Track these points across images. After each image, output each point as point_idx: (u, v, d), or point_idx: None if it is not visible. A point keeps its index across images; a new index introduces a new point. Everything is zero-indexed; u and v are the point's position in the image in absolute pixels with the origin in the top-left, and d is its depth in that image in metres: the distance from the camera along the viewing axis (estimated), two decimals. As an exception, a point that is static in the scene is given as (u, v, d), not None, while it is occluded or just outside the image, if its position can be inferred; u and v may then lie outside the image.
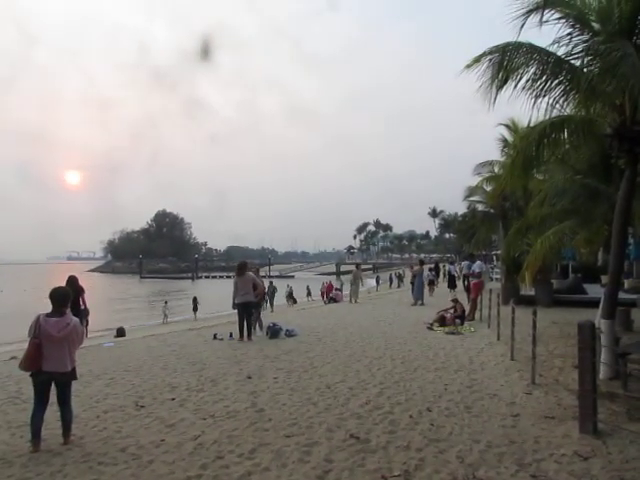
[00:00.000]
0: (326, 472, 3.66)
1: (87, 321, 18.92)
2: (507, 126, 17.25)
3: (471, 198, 21.18)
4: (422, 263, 19.51)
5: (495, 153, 18.49)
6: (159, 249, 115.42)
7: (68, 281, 12.98)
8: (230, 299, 11.00)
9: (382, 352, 8.52)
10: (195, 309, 25.35)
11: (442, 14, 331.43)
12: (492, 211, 19.67)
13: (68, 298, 4.61)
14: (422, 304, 16.94)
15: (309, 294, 34.81)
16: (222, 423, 4.85)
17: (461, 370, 7.06)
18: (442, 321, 11.48)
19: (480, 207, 21.18)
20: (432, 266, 27.05)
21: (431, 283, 24.90)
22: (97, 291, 49.57)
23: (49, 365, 4.32)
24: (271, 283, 27.11)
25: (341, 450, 4.10)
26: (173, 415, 5.14)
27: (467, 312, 12.43)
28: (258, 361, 8.02)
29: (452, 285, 20.89)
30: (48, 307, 4.52)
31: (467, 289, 16.38)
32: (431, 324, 11.51)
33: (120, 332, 17.46)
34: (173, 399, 5.81)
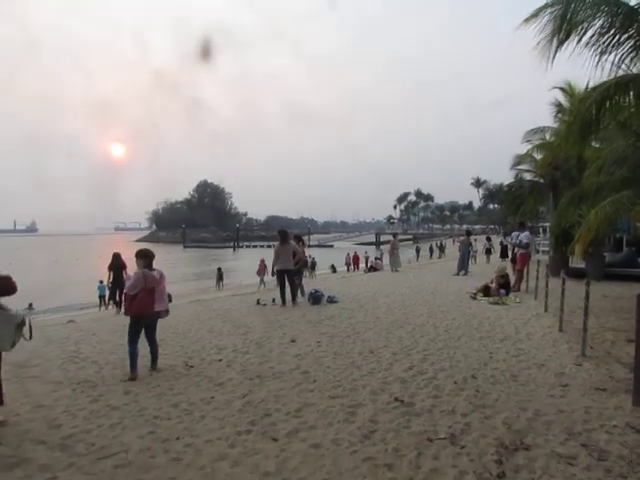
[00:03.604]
0: (371, 432, 3.71)
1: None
2: (563, 89, 16.18)
3: (519, 167, 20.34)
4: (469, 234, 19.13)
5: (546, 119, 17.57)
6: (201, 219, 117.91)
7: (113, 257, 13.84)
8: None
9: (425, 320, 8.47)
10: (220, 279, 25.74)
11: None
12: (541, 181, 18.83)
13: (154, 256, 5.72)
14: (465, 274, 16.67)
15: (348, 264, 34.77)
16: (268, 383, 4.98)
17: (506, 339, 6.94)
18: (486, 291, 11.26)
19: (528, 177, 20.34)
20: (487, 236, 27.77)
21: (488, 252, 24.89)
22: (144, 259, 51.35)
23: (157, 306, 5.58)
24: (311, 257, 27.26)
25: (385, 412, 4.14)
26: (221, 375, 5.33)
27: (513, 283, 12.14)
28: (301, 326, 8.16)
29: (504, 255, 20.70)
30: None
31: (513, 260, 15.97)
32: (475, 294, 11.32)
33: (168, 298, 18.09)
34: (220, 360, 6.01)
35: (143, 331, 5.61)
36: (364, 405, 4.29)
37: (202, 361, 5.99)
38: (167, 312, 5.91)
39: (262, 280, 21.62)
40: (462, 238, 18.41)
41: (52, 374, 5.58)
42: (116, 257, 13.74)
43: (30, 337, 4.28)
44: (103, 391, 4.89)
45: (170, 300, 17.62)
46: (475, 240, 30.26)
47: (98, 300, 18.54)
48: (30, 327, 4.28)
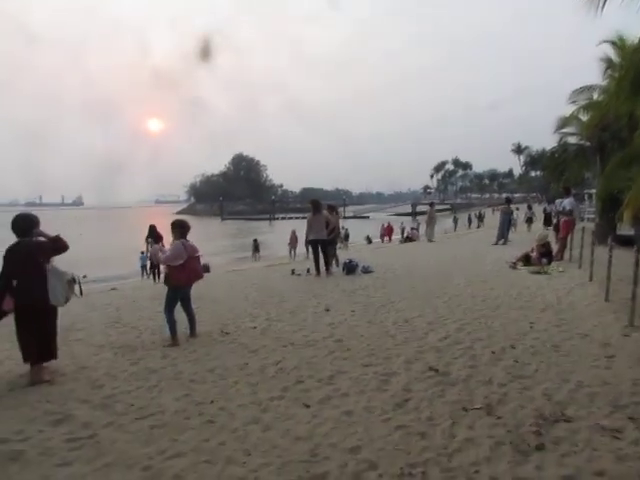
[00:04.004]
0: (405, 401, 3.66)
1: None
2: (613, 43, 15.01)
3: (563, 130, 19.29)
4: (509, 201, 18.46)
5: (591, 78, 16.46)
6: (237, 191, 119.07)
7: (149, 229, 14.28)
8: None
9: (461, 289, 8.29)
10: (256, 250, 25.91)
11: None
12: (587, 144, 17.82)
13: (189, 227, 5.78)
14: (505, 243, 16.19)
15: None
16: (301, 351, 5.00)
17: (548, 309, 6.70)
18: (527, 260, 10.90)
19: (573, 140, 19.28)
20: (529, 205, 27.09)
21: (529, 220, 24.23)
22: (183, 231, 52.54)
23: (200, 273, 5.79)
24: (344, 228, 27.02)
25: (420, 381, 4.07)
26: (255, 342, 5.38)
27: (555, 251, 11.69)
28: (335, 295, 8.14)
29: (548, 223, 20.04)
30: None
31: (556, 228, 15.36)
32: (514, 263, 10.97)
33: (205, 268, 18.45)
34: (255, 327, 6.07)
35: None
36: (398, 374, 4.23)
37: (237, 328, 6.07)
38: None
39: (293, 251, 21.68)
40: (502, 206, 17.84)
41: (95, 338, 5.79)
42: (152, 229, 14.24)
43: (81, 293, 4.74)
44: (142, 355, 5.04)
45: (208, 270, 18.04)
46: (517, 209, 29.30)
47: (140, 270, 19.17)
48: (80, 285, 4.68)
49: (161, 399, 3.79)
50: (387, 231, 31.70)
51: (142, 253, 18.48)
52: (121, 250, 26.96)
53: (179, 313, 5.70)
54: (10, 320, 4.27)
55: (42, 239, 4.47)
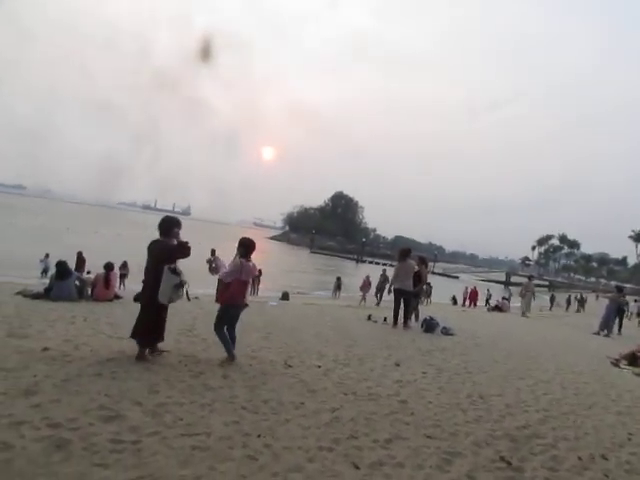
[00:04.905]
0: (467, 489, 3.22)
1: (259, 281, 20.87)
2: None
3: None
4: (620, 290, 16.72)
5: None
6: (331, 227, 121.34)
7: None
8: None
9: (551, 376, 7.43)
10: (338, 288, 25.57)
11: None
12: None
13: (253, 247, 5.61)
14: (607, 335, 14.56)
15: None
16: (362, 403, 4.67)
17: (653, 422, 5.74)
18: (633, 359, 9.60)
19: None
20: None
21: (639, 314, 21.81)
22: (274, 257, 54.31)
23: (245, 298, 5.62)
24: (429, 283, 25.99)
25: (487, 471, 3.58)
26: (316, 382, 5.15)
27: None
28: (408, 351, 7.69)
29: None
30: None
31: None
32: (617, 360, 9.73)
33: (285, 296, 18.71)
34: (319, 367, 5.85)
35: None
36: (463, 455, 3.76)
37: (301, 363, 5.89)
38: (246, 305, 5.72)
39: (364, 297, 21.21)
40: (610, 294, 16.16)
41: (165, 341, 5.90)
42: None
43: (188, 299, 5.26)
44: (204, 369, 5.03)
45: (287, 298, 18.19)
46: (635, 300, 26.36)
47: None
48: (187, 292, 5.18)
49: (210, 420, 3.69)
50: (471, 295, 29.87)
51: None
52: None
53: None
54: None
55: (174, 242, 5.10)
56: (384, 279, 19.86)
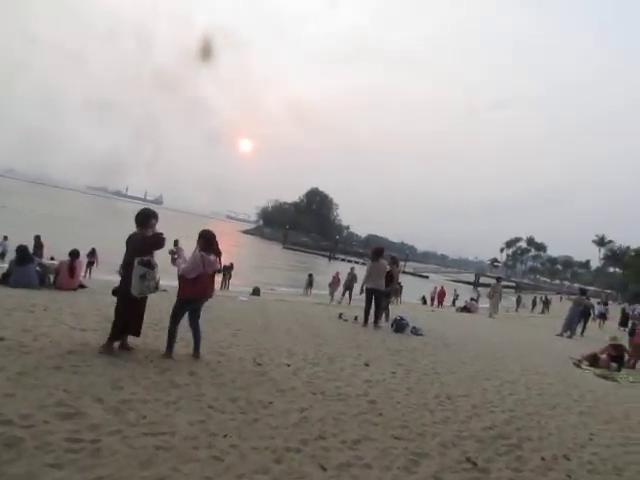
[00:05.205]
0: (433, 491, 3.21)
1: (230, 276, 20.65)
2: None
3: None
4: (583, 293, 17.22)
5: None
6: (305, 223, 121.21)
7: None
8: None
9: (516, 377, 7.56)
10: (310, 285, 25.46)
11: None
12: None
13: (213, 238, 5.45)
14: (570, 337, 14.98)
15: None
16: (331, 403, 4.63)
17: (613, 422, 5.89)
18: (594, 360, 9.90)
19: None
20: (603, 300, 24.88)
21: (602, 316, 22.43)
22: (246, 251, 53.85)
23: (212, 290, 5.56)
24: (399, 283, 26.08)
25: (453, 472, 3.59)
26: (286, 381, 5.08)
27: (627, 358, 10.55)
28: (378, 351, 7.70)
29: (624, 324, 18.53)
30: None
31: (632, 332, 14.04)
32: (579, 361, 10.01)
33: (255, 291, 18.56)
34: (289, 365, 5.79)
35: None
36: (430, 457, 3.76)
37: (271, 361, 5.81)
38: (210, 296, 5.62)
39: (332, 294, 21.21)
40: (574, 297, 16.64)
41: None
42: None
43: (154, 290, 5.16)
44: (170, 365, 4.90)
45: (258, 294, 18.01)
46: (599, 303, 27.14)
47: None
48: (156, 282, 5.10)
49: (175, 418, 3.57)
50: (439, 295, 30.33)
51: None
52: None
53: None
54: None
55: (150, 233, 5.05)
56: (352, 277, 19.96)
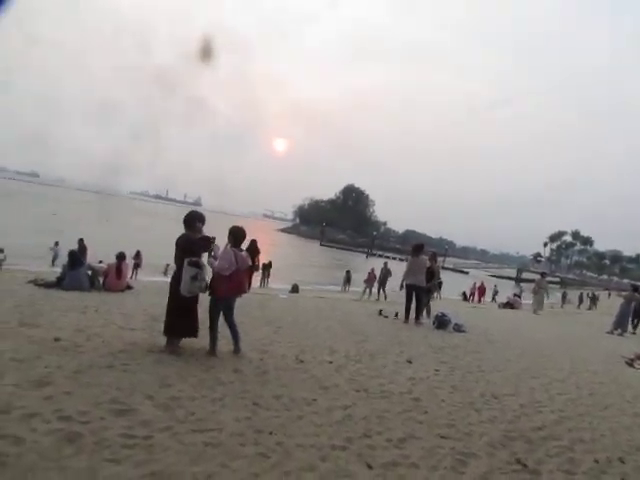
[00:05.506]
0: (482, 493, 3.15)
1: (269, 273, 20.88)
2: None
3: None
4: (635, 289, 16.45)
5: None
6: (341, 220, 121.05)
7: (250, 242, 14.93)
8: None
9: (565, 375, 7.31)
10: (347, 281, 25.38)
11: None
12: None
13: (243, 236, 5.53)
14: (621, 334, 14.35)
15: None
16: (374, 401, 4.61)
17: (669, 425, 5.61)
18: (648, 360, 9.45)
19: None
20: None
21: None
22: (283, 249, 54.32)
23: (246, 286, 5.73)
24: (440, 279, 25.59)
25: (503, 473, 3.50)
26: (328, 378, 5.10)
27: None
28: (421, 348, 7.61)
29: None
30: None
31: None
32: (632, 360, 9.57)
33: (294, 288, 18.72)
34: (331, 362, 5.80)
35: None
36: (478, 457, 3.69)
37: (313, 359, 5.84)
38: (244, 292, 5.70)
39: (369, 290, 21.07)
40: (625, 293, 15.91)
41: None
42: (252, 243, 14.82)
43: (204, 290, 5.18)
44: (215, 363, 5.00)
45: (297, 291, 18.09)
46: None
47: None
48: (206, 283, 5.15)
49: (221, 415, 3.65)
50: (479, 291, 29.55)
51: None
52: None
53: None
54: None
55: (198, 236, 5.18)
56: (386, 272, 19.90)
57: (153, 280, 14.66)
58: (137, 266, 18.71)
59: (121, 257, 10.13)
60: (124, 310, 7.37)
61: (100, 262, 11.53)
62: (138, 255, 18.99)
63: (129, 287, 10.19)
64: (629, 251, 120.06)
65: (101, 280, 9.71)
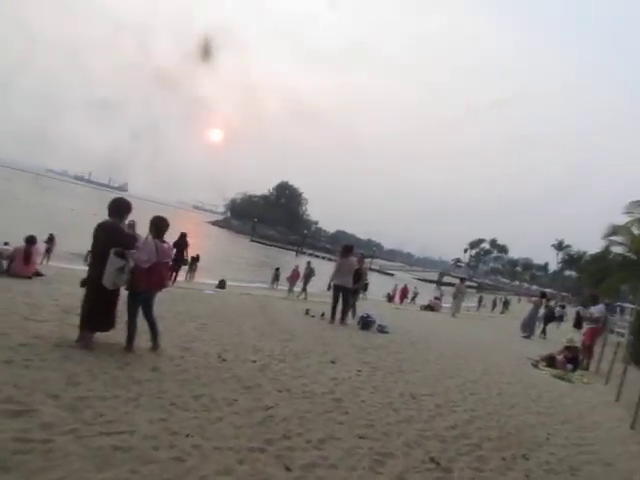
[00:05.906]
0: (398, 493, 3.20)
1: (196, 268, 20.29)
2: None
3: (612, 238, 18.84)
4: (544, 296, 17.77)
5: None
6: (273, 217, 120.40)
7: (180, 236, 14.55)
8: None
9: (478, 376, 7.71)
10: (276, 279, 25.26)
11: None
12: (634, 257, 17.28)
13: (166, 227, 5.28)
14: (529, 337, 15.43)
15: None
16: (297, 401, 4.57)
17: (568, 423, 6.08)
18: (551, 362, 10.20)
19: (620, 250, 18.77)
20: (562, 303, 25.61)
21: (559, 319, 23.17)
22: (213, 243, 53.06)
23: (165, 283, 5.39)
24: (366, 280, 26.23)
25: (417, 472, 3.60)
26: (251, 378, 4.98)
27: (581, 358, 10.93)
28: (344, 348, 7.69)
29: (579, 325, 19.25)
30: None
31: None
32: (537, 361, 10.30)
33: (221, 284, 18.27)
34: (254, 362, 5.69)
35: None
36: (395, 457, 3.76)
37: (236, 358, 5.70)
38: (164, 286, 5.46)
39: (291, 288, 21.21)
40: (535, 299, 17.15)
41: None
42: (182, 236, 14.41)
43: (126, 283, 4.86)
44: (132, 360, 4.73)
45: (224, 287, 17.77)
46: (563, 307, 28.06)
47: None
48: (128, 276, 4.82)
49: (135, 417, 3.43)
50: (401, 293, 30.83)
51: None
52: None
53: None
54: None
55: (126, 231, 4.90)
56: (310, 271, 20.21)
57: (69, 268, 13.67)
58: (49, 251, 17.31)
59: (31, 241, 9.35)
60: (30, 299, 6.78)
61: (6, 244, 10.57)
62: (52, 239, 17.60)
63: (38, 274, 9.42)
64: (539, 260, 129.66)
65: (5, 264, 8.89)
